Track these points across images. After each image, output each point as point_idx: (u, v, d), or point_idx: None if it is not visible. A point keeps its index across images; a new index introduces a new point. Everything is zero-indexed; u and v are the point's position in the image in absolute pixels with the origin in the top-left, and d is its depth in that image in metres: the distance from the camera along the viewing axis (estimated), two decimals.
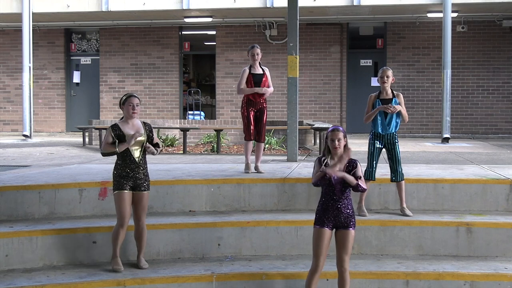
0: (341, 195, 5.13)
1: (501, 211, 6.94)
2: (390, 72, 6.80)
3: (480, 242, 6.33)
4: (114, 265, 5.82)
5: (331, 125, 13.36)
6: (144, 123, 6.04)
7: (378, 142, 6.78)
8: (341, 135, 5.13)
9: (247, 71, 8.08)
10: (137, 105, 5.90)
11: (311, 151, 12.11)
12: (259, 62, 8.15)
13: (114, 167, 5.88)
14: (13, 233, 6.03)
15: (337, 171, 5.02)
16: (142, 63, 19.14)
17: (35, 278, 5.61)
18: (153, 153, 5.92)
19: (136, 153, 5.83)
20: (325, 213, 5.16)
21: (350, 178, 5.05)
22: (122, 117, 5.98)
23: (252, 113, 8.09)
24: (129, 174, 5.80)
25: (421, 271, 5.83)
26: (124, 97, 5.95)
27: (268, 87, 8.12)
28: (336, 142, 5.11)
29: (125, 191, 5.78)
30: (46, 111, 19.55)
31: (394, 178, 6.76)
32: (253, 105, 8.10)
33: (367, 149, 6.88)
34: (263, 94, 8.04)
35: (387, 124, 6.76)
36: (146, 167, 5.94)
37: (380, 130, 6.77)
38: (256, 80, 8.04)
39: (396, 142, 6.79)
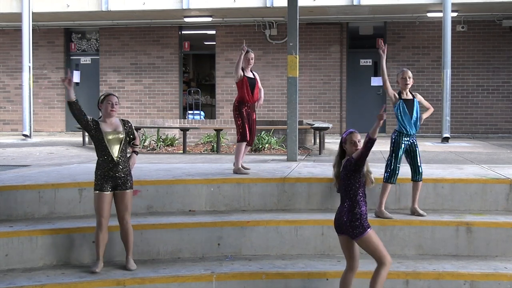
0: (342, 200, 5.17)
1: (501, 210, 6.94)
2: (411, 73, 6.76)
3: (480, 242, 6.34)
4: (93, 267, 5.79)
5: (331, 124, 13.24)
6: (123, 121, 5.94)
7: (404, 143, 6.69)
8: (359, 136, 5.15)
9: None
10: (116, 104, 5.82)
11: (311, 150, 12.11)
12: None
13: (96, 166, 5.82)
14: (13, 232, 6.03)
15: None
16: (142, 62, 19.13)
17: (35, 278, 5.62)
18: (135, 153, 6.00)
19: (115, 152, 5.75)
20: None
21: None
22: (100, 116, 5.91)
23: (245, 114, 8.01)
24: (109, 174, 5.72)
25: (421, 271, 5.83)
26: (103, 96, 5.90)
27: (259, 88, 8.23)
28: (358, 143, 5.12)
29: (105, 192, 5.72)
30: (46, 111, 19.55)
31: (417, 178, 6.72)
32: (247, 106, 8.03)
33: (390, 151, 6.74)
34: (255, 97, 8.06)
35: (414, 123, 6.70)
36: (128, 166, 5.84)
37: (409, 129, 6.67)
38: (250, 82, 8.03)
39: (416, 141, 6.80)
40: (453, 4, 15.30)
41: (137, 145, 6.06)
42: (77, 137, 16.02)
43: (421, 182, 6.75)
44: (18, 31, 17.52)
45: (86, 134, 14.21)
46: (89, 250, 6.14)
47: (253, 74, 8.18)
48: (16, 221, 6.45)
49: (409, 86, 6.72)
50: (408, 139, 6.71)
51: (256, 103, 8.15)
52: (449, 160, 10.04)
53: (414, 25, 18.01)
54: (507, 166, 8.81)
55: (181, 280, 5.68)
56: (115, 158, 5.74)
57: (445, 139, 14.84)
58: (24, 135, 16.40)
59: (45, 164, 9.49)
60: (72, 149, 12.73)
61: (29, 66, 16.42)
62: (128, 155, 5.95)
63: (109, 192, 5.76)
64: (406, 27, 18.09)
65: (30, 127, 16.45)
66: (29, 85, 16.43)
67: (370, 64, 18.25)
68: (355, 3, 16.31)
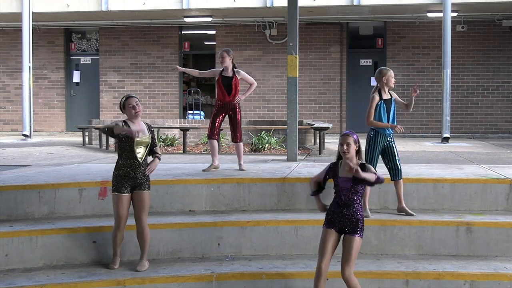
0: (347, 200, 5.16)
1: (501, 210, 6.94)
2: (351, 140, 5.26)
3: (480, 242, 6.33)
4: (110, 263, 5.91)
5: (331, 124, 13.31)
6: (148, 125, 6.04)
7: (381, 142, 6.72)
8: (350, 139, 5.14)
9: (219, 71, 8.34)
10: (137, 104, 5.89)
11: (311, 150, 12.11)
12: (233, 66, 8.24)
13: (115, 167, 5.87)
14: (13, 232, 6.03)
15: (359, 173, 5.02)
16: (142, 62, 19.13)
17: (35, 278, 5.61)
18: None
19: (140, 154, 5.83)
20: (332, 216, 5.24)
21: (368, 176, 5.05)
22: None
23: (216, 111, 8.27)
24: (130, 175, 5.80)
25: (421, 271, 5.83)
26: (123, 99, 5.96)
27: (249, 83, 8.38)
28: (345, 147, 5.12)
29: (123, 194, 5.80)
30: (46, 111, 19.55)
31: (398, 177, 6.71)
32: (222, 106, 8.23)
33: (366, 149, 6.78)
34: (231, 97, 8.17)
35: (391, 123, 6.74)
36: (145, 167, 5.91)
37: (387, 130, 6.72)
38: (224, 82, 8.19)
39: (393, 140, 6.81)
40: (453, 4, 15.30)
41: (159, 153, 6.03)
42: (77, 137, 16.02)
43: (401, 180, 6.74)
44: (18, 31, 17.53)
45: (86, 134, 14.32)
46: (89, 250, 6.14)
47: (234, 73, 8.20)
48: (16, 221, 6.45)
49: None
50: (385, 139, 6.73)
51: (239, 97, 8.23)
52: (449, 160, 10.04)
53: (414, 25, 18.01)
54: (507, 166, 8.81)
55: (181, 280, 5.68)
56: (139, 160, 5.82)
57: (445, 139, 14.84)
58: (24, 135, 16.41)
59: (45, 164, 9.48)
60: (72, 149, 12.73)
61: (29, 66, 16.42)
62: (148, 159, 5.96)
63: (127, 194, 5.82)
64: (406, 27, 18.09)
65: (30, 127, 16.45)
66: (29, 85, 16.43)
67: (370, 64, 18.25)
68: (355, 3, 16.31)
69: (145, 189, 5.86)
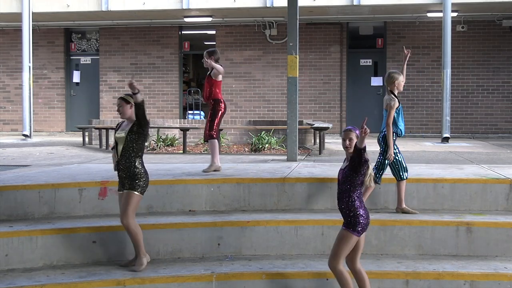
0: (340, 191, 5.22)
1: (501, 210, 6.95)
2: (353, 135, 5.28)
3: (480, 242, 6.33)
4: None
5: (331, 124, 13.29)
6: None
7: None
8: (352, 135, 5.17)
9: None
10: (119, 106, 5.98)
11: (311, 150, 12.10)
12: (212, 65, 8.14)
13: None
14: (13, 232, 6.03)
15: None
16: (142, 62, 19.13)
17: (35, 278, 5.62)
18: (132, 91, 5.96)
19: (119, 151, 5.86)
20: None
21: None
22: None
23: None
24: (118, 172, 5.87)
25: (421, 271, 5.83)
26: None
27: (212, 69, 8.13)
28: (347, 142, 5.16)
29: (119, 191, 5.90)
30: (46, 111, 19.54)
31: (403, 177, 6.75)
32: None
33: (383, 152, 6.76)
34: (203, 95, 8.18)
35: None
36: (132, 165, 5.76)
37: (404, 132, 6.82)
38: (204, 82, 8.26)
39: (397, 146, 6.84)
40: (453, 4, 15.29)
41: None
42: (77, 137, 16.02)
43: (405, 181, 6.78)
44: (18, 31, 17.52)
45: (86, 134, 14.32)
46: (89, 250, 6.14)
47: (211, 70, 8.15)
48: (16, 221, 6.45)
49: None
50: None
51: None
52: (449, 160, 10.04)
53: (414, 25, 18.01)
54: (507, 166, 8.81)
55: (181, 280, 5.68)
56: (118, 156, 5.83)
57: (445, 139, 14.84)
58: (24, 135, 16.41)
59: (45, 164, 9.48)
60: (72, 149, 12.73)
61: (29, 66, 16.42)
62: (136, 155, 5.85)
63: (121, 192, 5.86)
64: (406, 27, 18.08)
65: (30, 127, 16.45)
66: (29, 85, 16.43)
67: (370, 64, 18.25)
68: (355, 3, 16.30)
69: (127, 189, 5.77)
